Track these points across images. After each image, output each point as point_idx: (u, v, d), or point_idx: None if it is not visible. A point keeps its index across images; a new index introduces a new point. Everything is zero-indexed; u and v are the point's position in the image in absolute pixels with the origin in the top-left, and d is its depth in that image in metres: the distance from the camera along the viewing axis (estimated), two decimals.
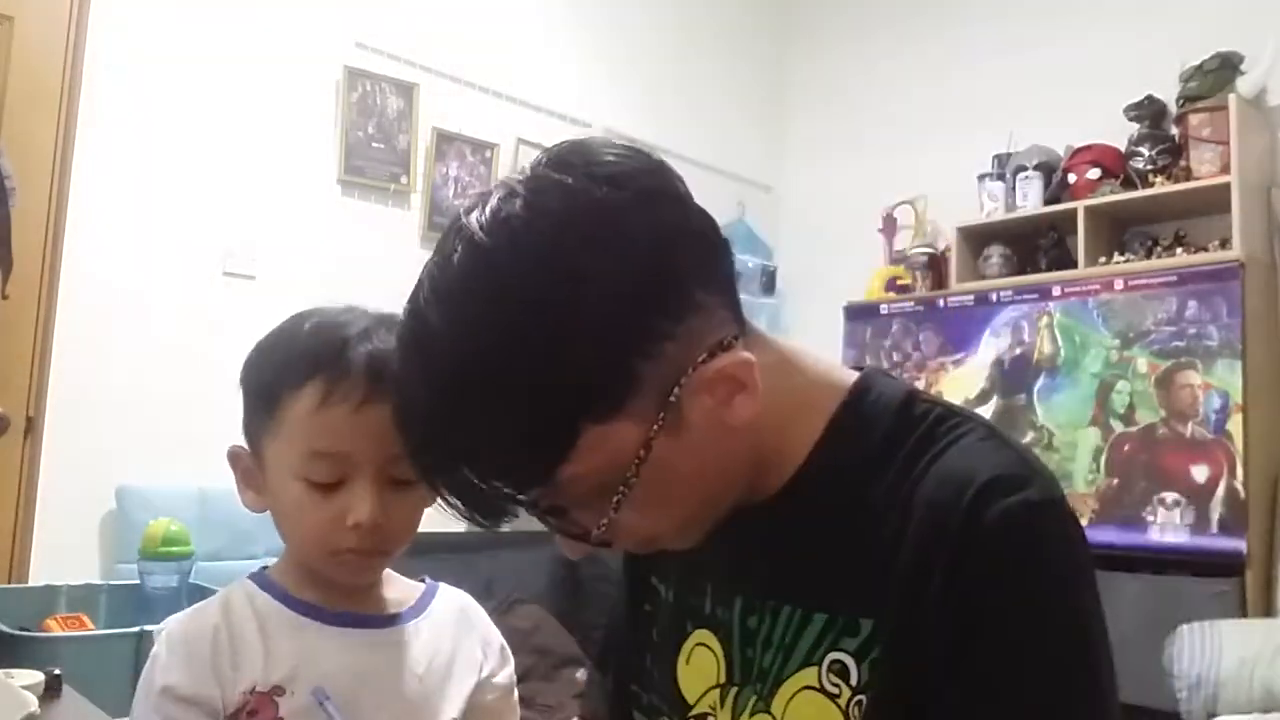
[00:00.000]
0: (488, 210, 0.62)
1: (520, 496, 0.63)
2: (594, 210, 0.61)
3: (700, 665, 0.75)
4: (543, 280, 0.59)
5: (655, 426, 0.62)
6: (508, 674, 0.91)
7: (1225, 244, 3.09)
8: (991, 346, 3.47)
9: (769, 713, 0.69)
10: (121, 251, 2.78)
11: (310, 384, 0.79)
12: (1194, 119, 3.19)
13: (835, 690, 0.65)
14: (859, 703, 0.64)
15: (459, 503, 0.65)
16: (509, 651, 0.93)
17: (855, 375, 0.74)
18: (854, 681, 0.64)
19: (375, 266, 2.75)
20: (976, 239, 3.71)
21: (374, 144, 3.30)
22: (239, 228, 3.00)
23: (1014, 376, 3.40)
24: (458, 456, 0.62)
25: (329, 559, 0.81)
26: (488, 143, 3.56)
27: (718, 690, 0.73)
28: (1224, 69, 3.18)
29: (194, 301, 2.90)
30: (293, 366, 0.80)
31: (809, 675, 0.67)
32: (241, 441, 0.86)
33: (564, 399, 0.59)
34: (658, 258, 0.62)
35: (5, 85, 2.63)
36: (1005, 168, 3.66)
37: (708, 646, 0.75)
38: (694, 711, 0.75)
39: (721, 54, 4.40)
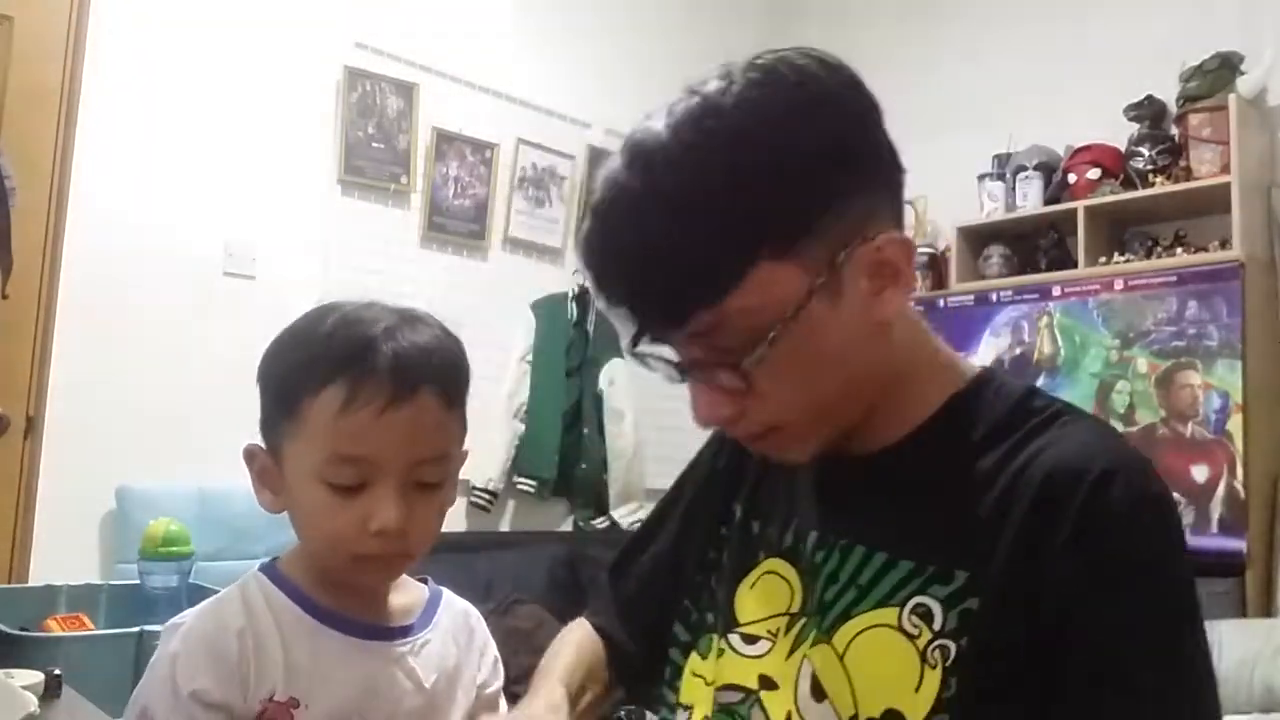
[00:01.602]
0: (725, 75, 0.71)
1: (693, 309, 0.67)
2: (820, 83, 0.71)
3: (769, 591, 0.79)
4: (765, 123, 0.68)
5: (818, 280, 0.68)
6: (497, 686, 0.92)
7: (1225, 244, 3.09)
8: (991, 346, 3.47)
9: (830, 644, 0.72)
10: (121, 251, 2.78)
11: (333, 386, 0.77)
12: (1194, 119, 3.19)
13: (915, 631, 0.68)
14: (940, 647, 0.67)
15: (630, 310, 0.69)
16: (501, 664, 0.93)
17: (980, 368, 0.81)
18: (936, 626, 0.67)
19: (375, 266, 2.74)
20: (976, 239, 3.71)
21: (374, 144, 3.29)
22: (238, 228, 3.00)
23: (1014, 376, 3.39)
24: (654, 255, 0.68)
25: (350, 564, 0.80)
26: (488, 143, 3.55)
27: (786, 618, 0.77)
28: (1224, 69, 3.17)
29: (194, 301, 2.90)
30: (314, 366, 0.78)
31: (886, 615, 0.70)
32: (250, 439, 0.84)
33: (752, 222, 0.67)
34: (863, 128, 0.71)
35: (5, 85, 2.63)
36: (1005, 168, 3.65)
37: (781, 576, 0.79)
38: (742, 629, 0.79)
39: (721, 54, 4.38)
